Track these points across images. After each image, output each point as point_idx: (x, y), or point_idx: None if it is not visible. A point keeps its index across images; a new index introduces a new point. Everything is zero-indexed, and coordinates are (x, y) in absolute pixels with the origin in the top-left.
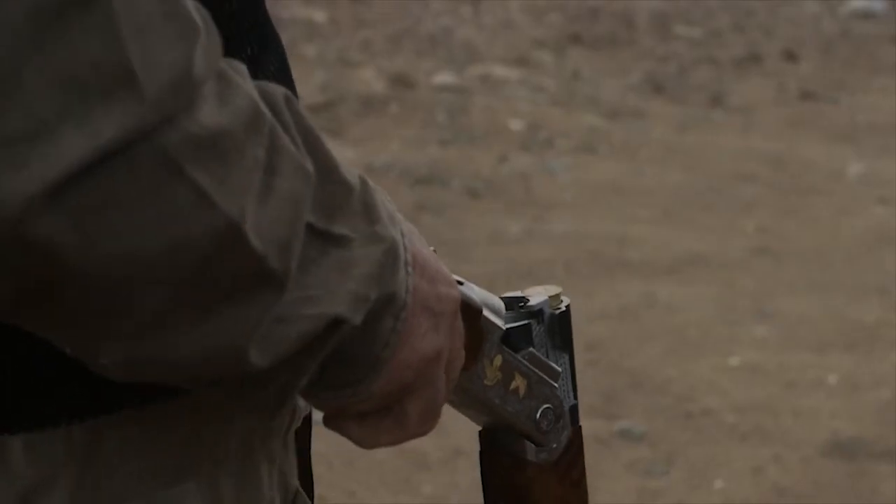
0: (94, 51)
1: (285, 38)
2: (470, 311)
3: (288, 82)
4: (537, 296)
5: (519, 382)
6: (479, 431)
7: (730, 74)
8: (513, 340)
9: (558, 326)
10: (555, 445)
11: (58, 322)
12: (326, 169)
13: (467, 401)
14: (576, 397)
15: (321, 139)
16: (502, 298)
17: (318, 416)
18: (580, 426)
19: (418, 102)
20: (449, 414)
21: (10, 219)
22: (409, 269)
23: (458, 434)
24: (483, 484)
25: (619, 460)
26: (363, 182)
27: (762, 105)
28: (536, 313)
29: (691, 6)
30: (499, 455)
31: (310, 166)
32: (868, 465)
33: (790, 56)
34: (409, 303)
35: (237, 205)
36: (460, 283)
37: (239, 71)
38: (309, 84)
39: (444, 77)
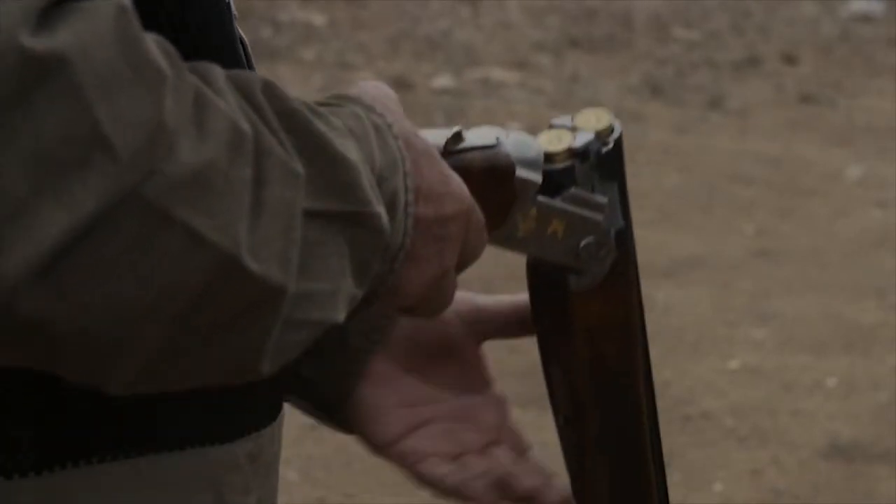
0: (63, 121)
1: (284, 41)
2: (500, 172)
3: None
4: (583, 132)
5: (556, 226)
6: (526, 263)
7: (728, 77)
8: (552, 185)
9: (606, 160)
10: (597, 271)
11: (64, 368)
12: (318, 149)
13: (502, 247)
14: (626, 219)
15: (308, 118)
16: (552, 126)
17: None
18: (627, 249)
19: (417, 105)
20: None
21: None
22: (410, 209)
23: None
24: (532, 311)
25: None
26: (361, 149)
27: (760, 107)
28: (580, 153)
29: (689, 6)
30: (541, 285)
31: (298, 165)
32: (866, 466)
33: (789, 58)
34: (406, 244)
35: (230, 235)
36: (498, 140)
37: (212, 81)
38: (307, 87)
39: (443, 80)
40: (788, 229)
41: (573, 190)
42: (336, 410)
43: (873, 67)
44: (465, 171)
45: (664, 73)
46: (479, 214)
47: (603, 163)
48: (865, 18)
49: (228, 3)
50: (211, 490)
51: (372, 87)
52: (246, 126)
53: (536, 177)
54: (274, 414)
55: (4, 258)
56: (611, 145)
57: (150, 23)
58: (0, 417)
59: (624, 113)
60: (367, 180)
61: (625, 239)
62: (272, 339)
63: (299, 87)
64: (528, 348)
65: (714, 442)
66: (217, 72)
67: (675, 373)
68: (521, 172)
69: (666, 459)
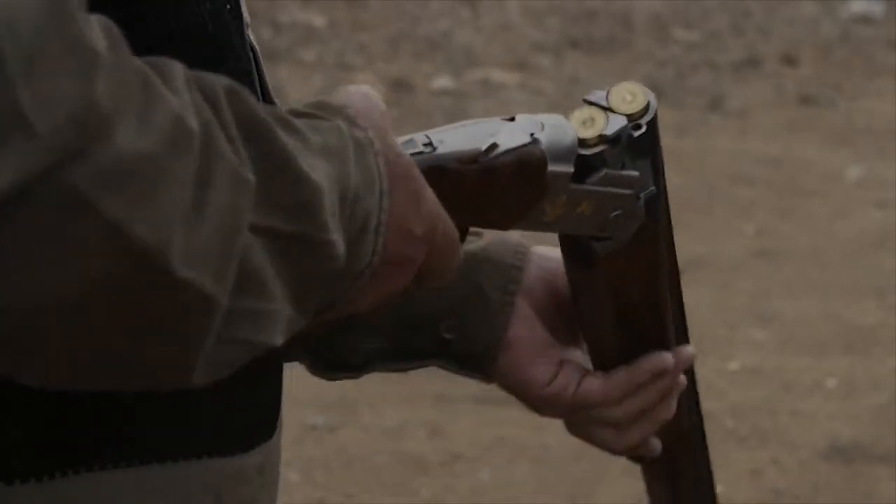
0: None
1: (284, 42)
2: (532, 170)
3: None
4: (616, 116)
5: (585, 207)
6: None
7: (728, 78)
8: (583, 169)
9: (639, 142)
10: (623, 236)
11: None
12: (277, 163)
13: (529, 230)
14: (658, 185)
15: (273, 131)
16: (587, 102)
17: (316, 420)
18: (657, 212)
19: (417, 107)
20: (447, 418)
21: None
22: (381, 230)
23: (456, 438)
24: (567, 276)
25: (618, 465)
26: (330, 176)
27: (760, 108)
28: (612, 140)
29: (689, 7)
30: (569, 249)
31: (249, 174)
32: (866, 467)
33: (789, 59)
34: (374, 264)
35: (160, 233)
36: (533, 137)
37: (168, 75)
38: (308, 89)
39: (443, 81)
40: (788, 230)
41: (604, 172)
42: (483, 365)
43: (873, 68)
44: (493, 173)
45: (664, 74)
46: (448, 234)
47: (635, 145)
48: (865, 19)
49: (239, 10)
50: (214, 501)
51: (360, 97)
52: (194, 124)
53: (568, 168)
54: (277, 423)
55: None
56: (644, 129)
57: (139, 27)
58: (0, 422)
59: None
60: (328, 204)
61: (655, 203)
62: (205, 350)
63: (299, 88)
64: None
65: (714, 442)
66: (176, 69)
67: None
68: (553, 167)
69: None
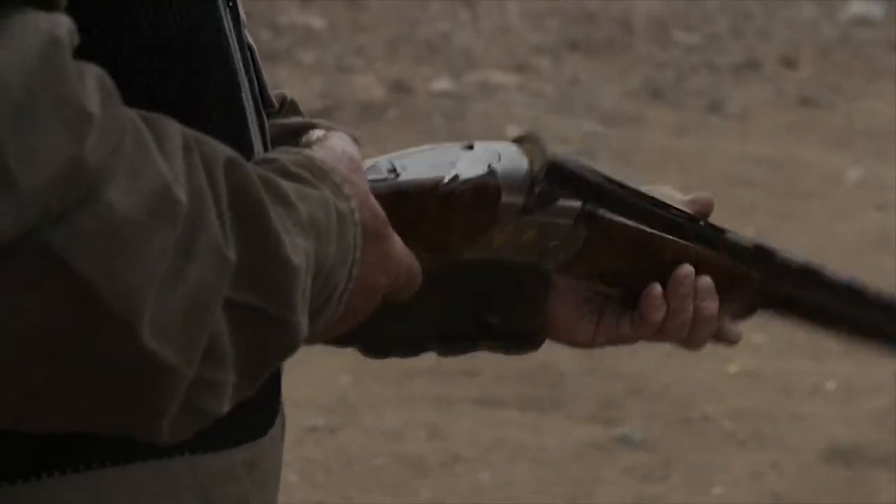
0: None
1: (283, 44)
2: (487, 200)
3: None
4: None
5: (529, 235)
6: None
7: (728, 80)
8: (533, 202)
9: (554, 187)
10: (564, 257)
11: None
12: (263, 242)
13: (474, 256)
14: (598, 201)
15: (265, 208)
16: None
17: (316, 422)
18: (599, 222)
19: (417, 109)
20: (447, 419)
21: None
22: (345, 296)
23: (455, 439)
24: None
25: (617, 466)
26: (315, 258)
27: (760, 110)
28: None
29: (689, 9)
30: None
31: (231, 252)
32: (866, 471)
33: (788, 62)
34: (335, 319)
35: (131, 301)
36: (490, 169)
37: (164, 138)
38: (307, 91)
39: (443, 83)
40: (788, 232)
41: (551, 205)
42: (528, 342)
43: (873, 70)
44: (451, 199)
45: (664, 77)
46: (410, 273)
47: (557, 189)
48: (865, 21)
49: (237, 11)
50: (204, 498)
51: (346, 161)
52: (182, 194)
53: (520, 200)
54: (272, 421)
55: None
56: (543, 179)
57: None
58: None
59: (624, 116)
60: (301, 285)
61: (595, 219)
62: (170, 412)
63: (299, 89)
64: None
65: (714, 446)
66: (173, 130)
67: (674, 376)
68: (506, 199)
69: (665, 463)
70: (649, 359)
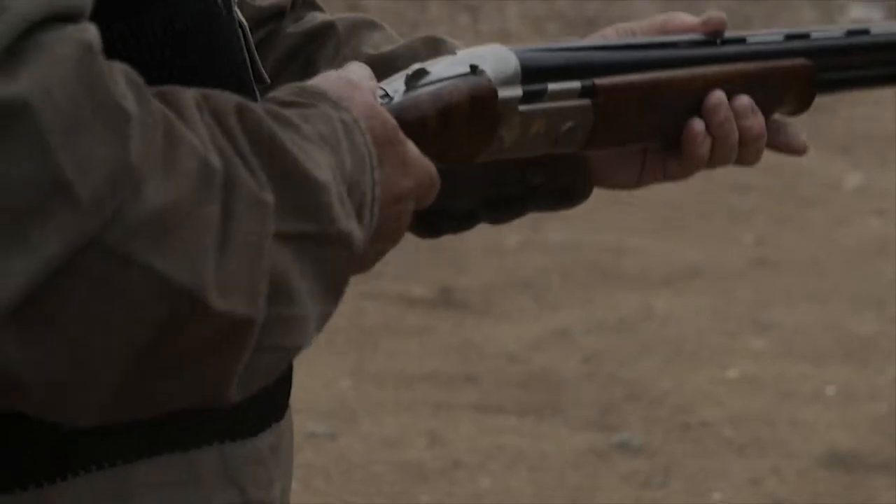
0: (24, 167)
1: None
2: (484, 100)
3: None
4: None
5: (539, 126)
6: None
7: None
8: (531, 92)
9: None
10: (580, 140)
11: (32, 409)
12: (289, 172)
13: (491, 159)
14: (595, 76)
15: (282, 141)
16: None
17: (315, 428)
18: (600, 94)
19: None
20: (446, 426)
21: None
22: (376, 205)
23: (455, 446)
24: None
25: (616, 472)
26: (339, 172)
27: None
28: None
29: (688, 12)
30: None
31: (267, 194)
32: (865, 476)
33: None
34: (371, 232)
35: (196, 275)
36: (473, 67)
37: (182, 110)
38: None
39: None
40: (787, 238)
41: (549, 89)
42: (573, 196)
43: None
44: (449, 111)
45: None
46: (433, 178)
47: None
48: None
49: None
50: (234, 486)
51: (330, 79)
52: (216, 160)
53: (517, 91)
54: (288, 400)
55: None
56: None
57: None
58: (14, 429)
59: None
60: (336, 197)
61: (595, 90)
62: (240, 366)
63: None
64: (526, 357)
65: (713, 451)
66: (186, 98)
67: (673, 382)
68: (503, 93)
69: (665, 469)
70: (648, 364)
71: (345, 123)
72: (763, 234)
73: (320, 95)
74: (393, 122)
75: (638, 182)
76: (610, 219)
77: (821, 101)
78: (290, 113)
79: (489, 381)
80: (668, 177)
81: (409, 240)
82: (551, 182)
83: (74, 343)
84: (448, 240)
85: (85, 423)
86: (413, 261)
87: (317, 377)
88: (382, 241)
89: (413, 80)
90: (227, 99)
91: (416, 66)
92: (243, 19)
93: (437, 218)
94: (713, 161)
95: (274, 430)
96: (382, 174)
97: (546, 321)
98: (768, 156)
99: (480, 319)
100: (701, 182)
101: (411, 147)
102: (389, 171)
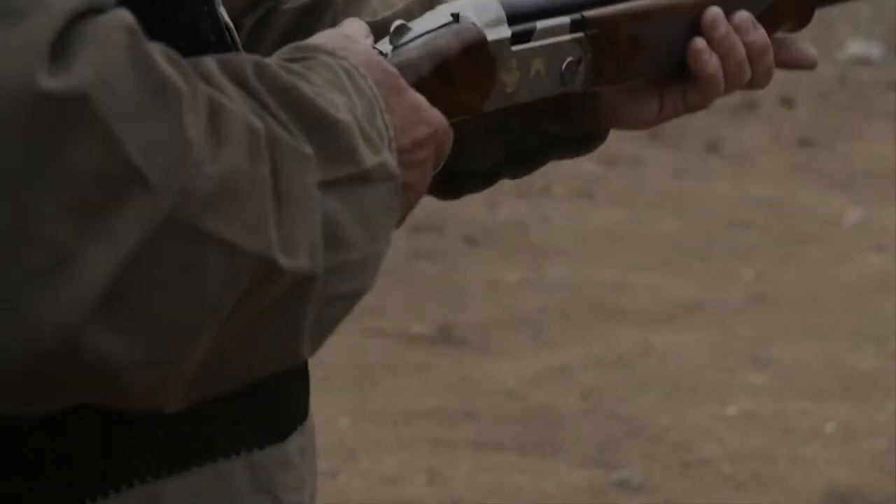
0: (94, 160)
1: None
2: (474, 45)
3: None
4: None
5: (538, 65)
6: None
7: (726, 121)
8: (521, 32)
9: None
10: (586, 77)
11: (123, 399)
12: (315, 120)
13: (498, 107)
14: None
15: (301, 91)
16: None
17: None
18: (595, 32)
19: None
20: (446, 463)
21: (58, 351)
22: (393, 144)
23: (455, 482)
24: None
25: None
26: (350, 110)
27: (759, 151)
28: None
29: None
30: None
31: (305, 145)
32: None
33: (786, 102)
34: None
35: (262, 237)
36: (454, 15)
37: (213, 78)
38: None
39: None
40: (787, 274)
41: (538, 27)
42: (593, 140)
43: (871, 111)
44: (443, 62)
45: None
46: (447, 126)
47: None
48: (863, 62)
49: None
50: (266, 493)
51: (325, 35)
52: (257, 122)
53: (506, 32)
54: (309, 399)
55: (61, 305)
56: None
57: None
58: (58, 447)
59: (622, 157)
60: (360, 135)
61: (583, 20)
62: (308, 322)
63: None
64: (525, 394)
65: (713, 488)
66: (212, 66)
67: (673, 418)
68: (492, 35)
69: None
70: (647, 401)
71: (346, 70)
72: (762, 269)
73: (317, 48)
74: (394, 70)
75: (658, 117)
76: (609, 255)
77: (820, 136)
78: (294, 66)
79: (488, 417)
80: (689, 108)
81: (408, 277)
82: (567, 130)
83: (160, 323)
84: (447, 277)
85: (171, 407)
86: (412, 298)
87: (316, 415)
88: (407, 192)
89: (396, 38)
90: (241, 60)
91: (397, 22)
92: (229, 21)
93: (460, 178)
94: (728, 82)
95: (301, 433)
96: (395, 120)
97: (545, 358)
98: (768, 190)
99: (479, 356)
100: (699, 217)
101: (417, 94)
102: (401, 116)
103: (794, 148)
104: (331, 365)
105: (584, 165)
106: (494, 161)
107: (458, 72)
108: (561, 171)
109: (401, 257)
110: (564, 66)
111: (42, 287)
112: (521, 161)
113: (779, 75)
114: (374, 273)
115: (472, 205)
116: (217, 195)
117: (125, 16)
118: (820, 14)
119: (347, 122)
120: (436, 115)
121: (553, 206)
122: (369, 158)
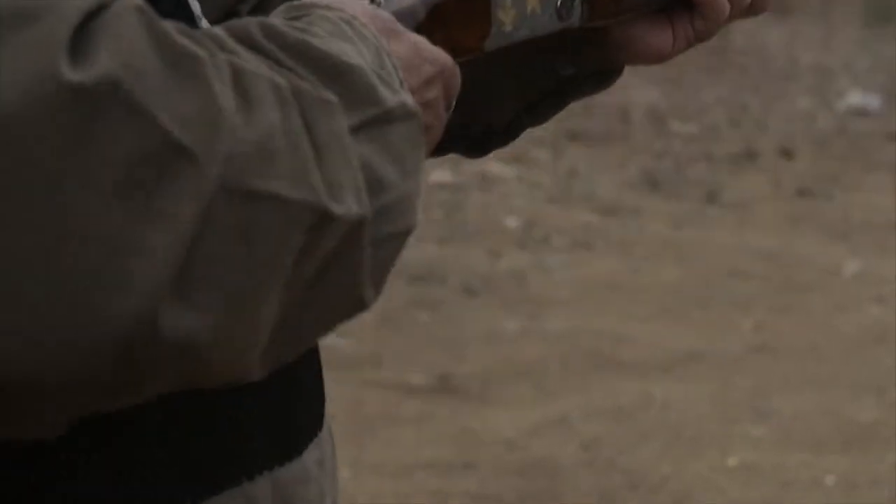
0: (135, 143)
1: None
2: None
3: None
4: None
5: (533, 2)
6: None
7: (725, 171)
8: None
9: None
10: (584, 12)
11: (208, 378)
12: (334, 69)
13: (499, 47)
14: None
15: (312, 43)
16: None
17: None
18: None
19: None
20: (447, 482)
21: (140, 340)
22: (404, 85)
23: None
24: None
25: None
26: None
27: (758, 201)
28: None
29: (686, 100)
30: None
31: (328, 93)
32: None
33: (785, 152)
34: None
35: (310, 188)
36: None
37: (225, 42)
38: None
39: (441, 174)
40: (787, 325)
41: None
42: (608, 75)
43: (870, 162)
44: (436, 6)
45: (662, 167)
46: (452, 64)
47: None
48: (862, 113)
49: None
50: None
51: None
52: (279, 78)
53: None
54: (324, 408)
55: (133, 294)
56: None
57: None
58: (97, 477)
59: (622, 207)
60: (376, 77)
61: None
62: (366, 268)
63: None
64: (524, 445)
65: None
66: (220, 33)
67: (673, 469)
68: None
69: None
70: (648, 452)
71: (345, 20)
72: (762, 320)
73: (311, 4)
74: (390, 16)
75: (672, 49)
76: (609, 305)
77: (819, 187)
78: (295, 24)
79: (487, 468)
80: (699, 37)
81: (407, 327)
82: (583, 68)
83: (231, 293)
84: (446, 327)
85: (252, 376)
86: (411, 348)
87: None
88: (426, 132)
89: None
90: (245, 24)
91: None
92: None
93: (483, 135)
94: (732, 4)
95: (317, 444)
96: (401, 62)
97: (544, 408)
98: (768, 240)
99: (479, 406)
100: (699, 267)
101: (417, 36)
102: (405, 58)
103: (793, 198)
104: (329, 416)
105: (583, 215)
106: (514, 112)
107: (453, 14)
108: (560, 221)
109: (400, 306)
110: (560, 1)
111: (109, 282)
112: (543, 107)
113: (778, 125)
114: (415, 211)
115: (473, 255)
116: (258, 155)
117: None
118: (819, 65)
119: (360, 64)
120: (440, 54)
121: (553, 257)
122: (389, 99)
